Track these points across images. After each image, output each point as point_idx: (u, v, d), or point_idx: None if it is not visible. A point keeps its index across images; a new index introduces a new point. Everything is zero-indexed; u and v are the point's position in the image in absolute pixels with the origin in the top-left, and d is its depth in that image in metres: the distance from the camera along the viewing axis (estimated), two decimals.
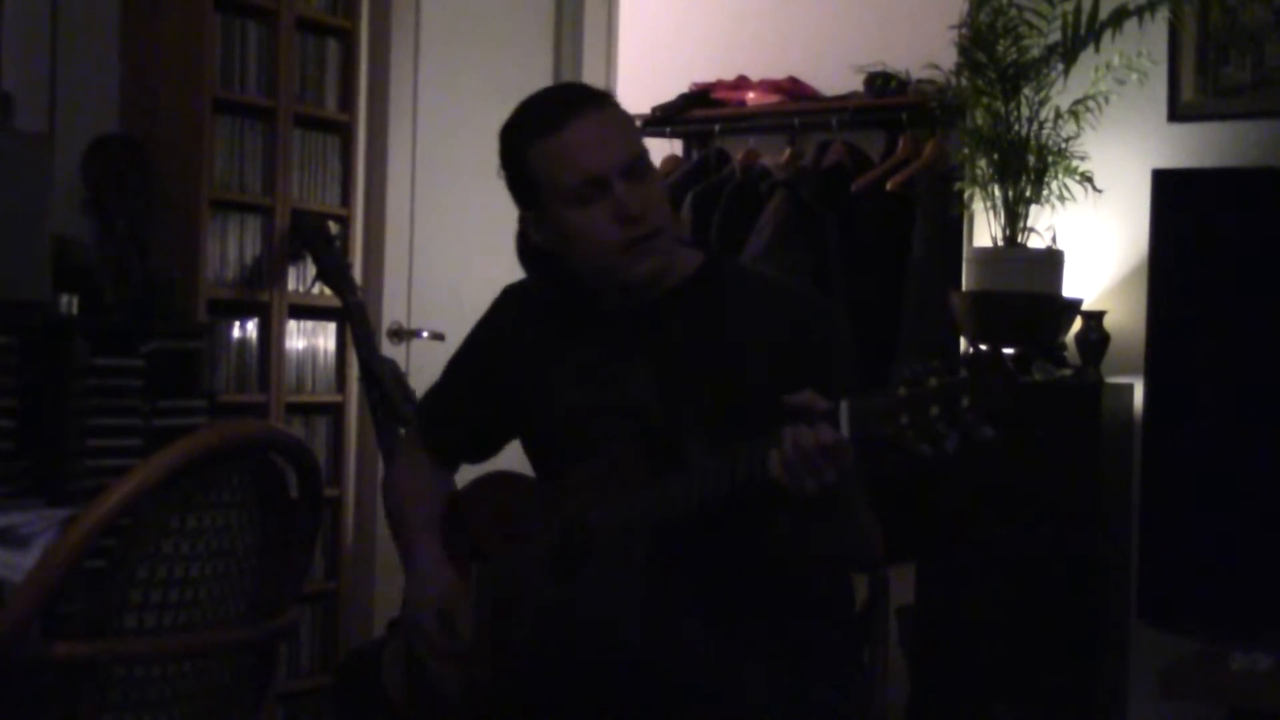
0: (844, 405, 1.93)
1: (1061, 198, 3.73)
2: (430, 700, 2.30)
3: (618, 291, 2.21)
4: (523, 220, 2.29)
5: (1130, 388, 3.71)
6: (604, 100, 2.19)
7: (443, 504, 2.40)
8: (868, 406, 1.93)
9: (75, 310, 3.47)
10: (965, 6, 3.80)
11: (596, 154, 2.12)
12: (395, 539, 2.42)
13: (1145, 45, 3.69)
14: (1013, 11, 3.68)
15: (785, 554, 2.16)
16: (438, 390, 2.46)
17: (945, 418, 1.87)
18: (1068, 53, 3.65)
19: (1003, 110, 3.70)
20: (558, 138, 2.13)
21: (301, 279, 4.06)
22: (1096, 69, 3.70)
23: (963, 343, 3.87)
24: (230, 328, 3.91)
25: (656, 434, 2.16)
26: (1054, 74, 3.68)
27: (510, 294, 2.44)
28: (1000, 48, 3.69)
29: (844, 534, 2.14)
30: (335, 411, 4.16)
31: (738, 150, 4.76)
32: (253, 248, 3.95)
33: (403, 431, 3.83)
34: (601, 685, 2.09)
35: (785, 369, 2.09)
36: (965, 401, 1.86)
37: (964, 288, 3.80)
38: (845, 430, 1.93)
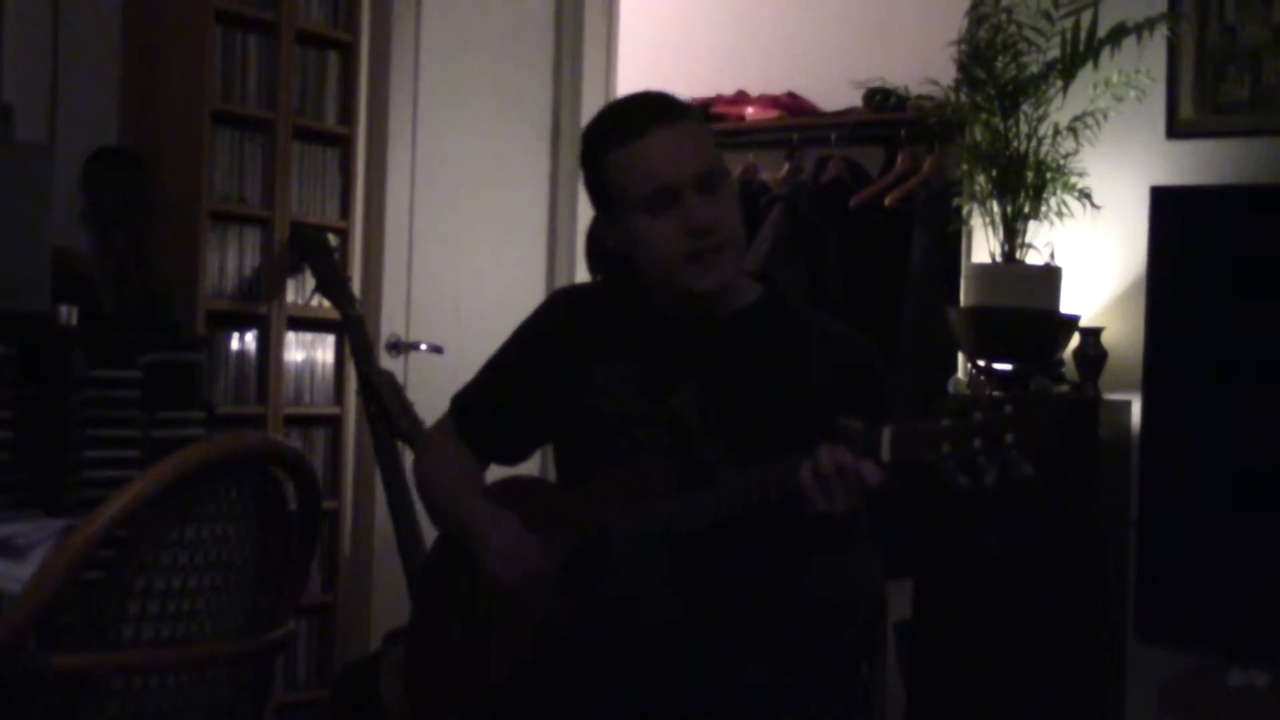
0: (886, 430, 1.96)
1: (1060, 214, 3.74)
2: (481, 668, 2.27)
3: (679, 302, 2.23)
4: (595, 222, 2.30)
5: (1128, 404, 3.71)
6: (683, 113, 2.21)
7: (482, 484, 2.40)
8: (910, 432, 1.95)
9: (74, 321, 3.47)
10: (964, 22, 3.81)
11: (670, 165, 2.15)
12: (443, 519, 2.39)
13: (1144, 62, 3.70)
14: (1012, 28, 3.69)
15: (789, 592, 2.16)
16: (476, 387, 2.44)
17: (987, 451, 1.90)
18: (1066, 69, 3.65)
19: (1001, 126, 3.71)
20: (633, 147, 2.16)
21: (300, 291, 4.06)
22: (1095, 86, 3.71)
23: (962, 361, 3.87)
24: (229, 339, 3.91)
25: (692, 454, 2.17)
26: (1053, 90, 3.68)
27: (560, 296, 2.47)
28: (999, 64, 3.69)
29: (843, 573, 2.13)
30: (333, 424, 4.16)
31: (736, 165, 4.76)
32: (252, 260, 3.95)
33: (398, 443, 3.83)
34: (618, 685, 2.12)
35: (827, 412, 2.08)
36: (1010, 438, 1.89)
37: (962, 303, 3.81)
38: (886, 454, 1.95)
